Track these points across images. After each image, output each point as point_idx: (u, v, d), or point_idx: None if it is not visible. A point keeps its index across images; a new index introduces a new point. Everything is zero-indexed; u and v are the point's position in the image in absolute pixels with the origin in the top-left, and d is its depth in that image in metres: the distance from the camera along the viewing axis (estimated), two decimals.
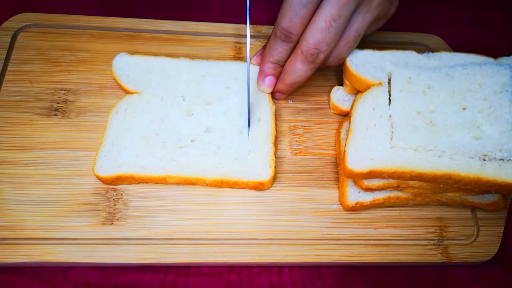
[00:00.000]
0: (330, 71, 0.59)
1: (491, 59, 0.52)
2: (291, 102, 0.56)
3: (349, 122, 0.49)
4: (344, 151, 0.47)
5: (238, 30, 0.60)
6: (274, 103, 0.54)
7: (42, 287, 0.45)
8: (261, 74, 0.53)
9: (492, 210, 0.51)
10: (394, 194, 0.50)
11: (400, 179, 0.46)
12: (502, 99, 0.47)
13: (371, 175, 0.46)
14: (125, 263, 0.46)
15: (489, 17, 0.69)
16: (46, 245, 0.45)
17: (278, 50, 0.50)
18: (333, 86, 0.56)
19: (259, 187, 0.49)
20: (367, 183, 0.48)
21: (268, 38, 0.52)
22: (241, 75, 0.55)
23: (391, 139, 0.47)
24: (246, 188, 0.50)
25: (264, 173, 0.49)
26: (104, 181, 0.48)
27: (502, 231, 0.51)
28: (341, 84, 0.57)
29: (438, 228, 0.50)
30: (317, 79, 0.58)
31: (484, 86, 0.48)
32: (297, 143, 0.54)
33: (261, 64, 0.53)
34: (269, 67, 0.52)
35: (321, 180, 0.52)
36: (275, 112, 0.53)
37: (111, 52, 0.56)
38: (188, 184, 0.49)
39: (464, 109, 0.47)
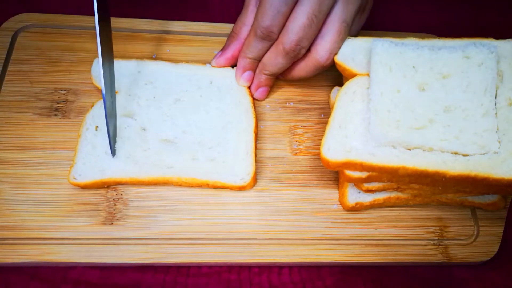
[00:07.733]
0: (330, 71, 0.58)
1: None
2: (292, 104, 0.56)
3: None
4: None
5: None
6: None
7: (42, 287, 0.45)
8: (240, 70, 0.53)
9: (492, 210, 0.51)
10: (394, 194, 0.50)
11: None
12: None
13: (370, 179, 0.46)
14: (125, 263, 0.46)
15: (489, 17, 0.69)
16: (46, 245, 0.45)
17: (258, 48, 0.50)
18: (333, 86, 0.56)
19: None
20: (367, 184, 0.48)
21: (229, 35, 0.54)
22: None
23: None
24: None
25: None
26: (330, 165, 0.45)
27: (502, 231, 0.51)
28: (341, 84, 0.56)
29: (438, 228, 0.50)
30: (317, 79, 0.58)
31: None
32: (297, 143, 0.54)
33: (239, 60, 0.53)
34: (247, 62, 0.52)
35: (321, 180, 0.52)
36: (275, 112, 0.53)
37: None
38: (424, 176, 0.43)
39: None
